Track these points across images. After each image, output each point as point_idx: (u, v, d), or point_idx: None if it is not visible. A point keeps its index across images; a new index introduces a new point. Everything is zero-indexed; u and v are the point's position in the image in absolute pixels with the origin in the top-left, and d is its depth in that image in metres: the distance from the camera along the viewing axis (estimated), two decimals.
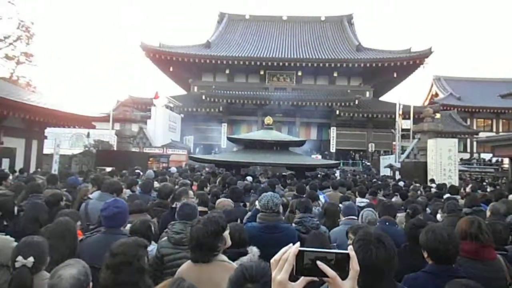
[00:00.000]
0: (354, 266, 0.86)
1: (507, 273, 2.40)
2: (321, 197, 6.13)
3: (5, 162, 10.66)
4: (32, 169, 11.34)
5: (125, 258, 1.99)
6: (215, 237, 2.29)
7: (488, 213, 4.25)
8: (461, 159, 27.66)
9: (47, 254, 2.23)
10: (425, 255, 2.26)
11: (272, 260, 0.89)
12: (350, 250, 0.89)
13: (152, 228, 3.10)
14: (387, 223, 3.68)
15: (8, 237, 2.84)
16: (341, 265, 0.84)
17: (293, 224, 3.68)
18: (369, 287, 1.56)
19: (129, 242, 2.17)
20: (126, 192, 5.50)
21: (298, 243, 0.88)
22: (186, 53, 29.11)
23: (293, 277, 0.85)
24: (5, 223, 3.40)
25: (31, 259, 2.06)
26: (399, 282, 1.90)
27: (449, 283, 1.71)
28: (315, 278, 0.85)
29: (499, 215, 3.91)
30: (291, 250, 0.86)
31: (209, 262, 2.25)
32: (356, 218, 3.95)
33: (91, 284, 1.82)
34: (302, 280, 0.85)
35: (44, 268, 2.16)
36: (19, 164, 11.05)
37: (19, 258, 2.06)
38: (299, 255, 0.85)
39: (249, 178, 8.71)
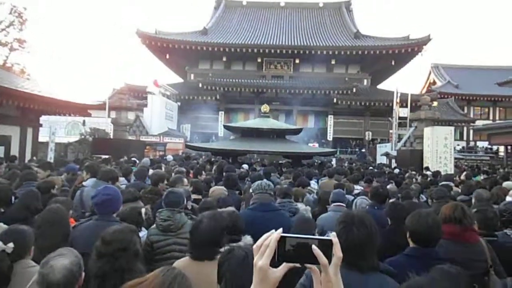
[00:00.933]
0: (337, 252, 0.85)
1: (488, 256, 2.47)
2: (313, 184, 6.17)
3: (0, 150, 10.62)
4: (28, 157, 11.30)
5: (121, 245, 1.99)
6: (222, 233, 2.30)
7: (473, 200, 4.33)
8: (463, 148, 27.81)
9: (31, 242, 2.20)
10: (408, 236, 2.33)
11: (254, 246, 0.88)
12: (333, 237, 0.88)
13: (143, 215, 3.11)
14: (375, 207, 3.81)
15: (1, 224, 2.85)
16: (324, 252, 0.84)
17: None
18: (353, 265, 1.68)
19: (122, 229, 2.18)
20: (121, 180, 5.50)
21: (280, 229, 0.87)
22: (183, 40, 28.78)
23: (274, 263, 0.85)
24: (1, 210, 3.40)
25: (11, 244, 2.03)
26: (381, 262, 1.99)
27: (433, 268, 1.73)
28: (297, 265, 0.85)
29: (484, 201, 3.96)
30: (272, 236, 0.84)
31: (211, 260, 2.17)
32: (344, 205, 4.01)
33: (83, 274, 1.80)
34: (284, 266, 0.84)
35: (27, 257, 2.15)
36: (14, 152, 10.99)
37: (0, 244, 2.03)
38: (281, 241, 0.83)
39: (245, 166, 8.74)
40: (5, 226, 2.79)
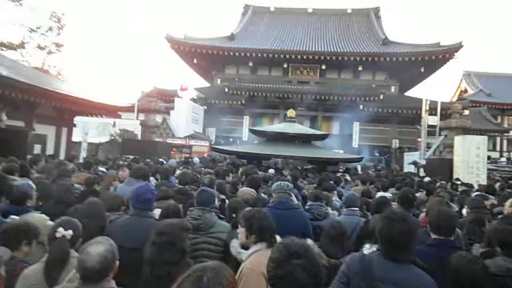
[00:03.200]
0: None
1: (462, 241, 3.11)
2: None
3: (37, 148, 11.14)
4: (62, 155, 11.80)
5: (170, 238, 2.13)
6: None
7: (505, 210, 4.20)
8: (495, 158, 26.65)
9: (81, 234, 2.36)
10: (429, 229, 2.75)
11: None
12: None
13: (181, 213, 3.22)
14: None
15: (43, 215, 3.02)
16: None
17: None
18: (392, 258, 1.93)
19: (174, 223, 2.34)
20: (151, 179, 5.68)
21: None
22: (210, 45, 29.27)
23: None
24: (39, 203, 3.60)
25: (70, 231, 2.22)
26: None
27: (454, 255, 2.14)
28: None
29: None
30: None
31: None
32: (357, 209, 4.01)
33: (117, 262, 1.88)
34: None
35: (76, 247, 2.29)
36: (49, 150, 11.53)
37: (60, 229, 2.20)
38: None
39: (271, 171, 8.76)
40: (47, 218, 2.97)
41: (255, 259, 2.19)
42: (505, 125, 31.71)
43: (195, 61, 30.47)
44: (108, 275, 1.82)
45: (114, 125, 18.91)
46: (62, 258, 2.11)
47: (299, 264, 1.37)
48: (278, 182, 3.67)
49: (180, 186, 4.76)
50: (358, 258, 2.02)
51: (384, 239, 1.99)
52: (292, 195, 3.77)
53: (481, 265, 2.08)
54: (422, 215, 4.13)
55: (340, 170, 12.09)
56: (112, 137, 17.90)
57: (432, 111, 22.13)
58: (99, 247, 1.80)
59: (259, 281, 1.99)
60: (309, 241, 2.72)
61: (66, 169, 5.15)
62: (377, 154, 26.16)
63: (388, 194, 5.60)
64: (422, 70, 28.39)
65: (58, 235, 2.19)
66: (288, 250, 1.41)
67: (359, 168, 16.07)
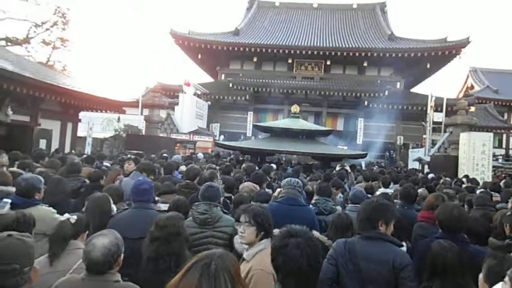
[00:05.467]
0: None
1: None
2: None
3: (42, 143, 11.22)
4: (67, 150, 11.87)
5: (174, 229, 2.19)
6: None
7: (509, 205, 4.25)
8: (501, 155, 26.45)
9: (85, 227, 2.43)
10: (437, 224, 2.83)
11: None
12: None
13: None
14: (405, 207, 4.03)
15: (51, 208, 3.07)
16: None
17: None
18: (371, 238, 2.27)
19: (174, 215, 2.40)
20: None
21: None
22: (214, 40, 29.22)
23: None
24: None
25: (74, 216, 2.34)
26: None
27: (434, 242, 2.39)
28: None
29: None
30: None
31: None
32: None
33: (122, 255, 1.93)
34: None
35: (80, 240, 2.35)
36: (55, 145, 11.59)
37: (66, 214, 2.35)
38: None
39: (273, 166, 8.76)
40: (54, 211, 3.02)
41: (263, 259, 2.14)
42: None
43: (199, 56, 30.45)
44: (113, 268, 1.86)
45: (118, 120, 18.97)
46: (63, 236, 2.23)
47: (294, 241, 1.55)
48: (288, 178, 3.67)
49: (187, 181, 4.78)
50: (343, 242, 2.31)
51: (362, 221, 2.33)
52: (302, 191, 3.78)
53: (453, 253, 2.25)
54: None
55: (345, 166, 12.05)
56: (117, 132, 17.97)
57: (437, 108, 21.96)
58: (104, 240, 1.85)
59: (269, 281, 2.01)
60: (315, 233, 2.75)
61: (74, 163, 5.12)
62: (386, 153, 25.95)
63: (389, 190, 5.59)
64: (428, 66, 28.15)
65: (62, 218, 2.33)
66: (289, 230, 1.63)
67: (363, 165, 16.03)
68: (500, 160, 22.24)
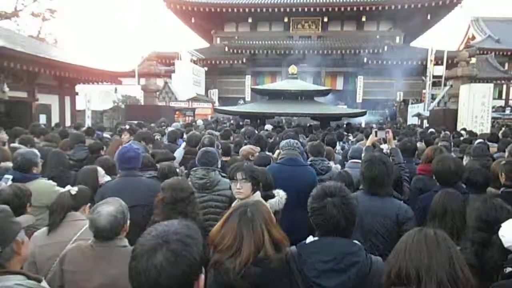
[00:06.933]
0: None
1: None
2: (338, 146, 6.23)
3: (42, 118, 11.26)
4: (68, 124, 11.93)
5: (187, 192, 2.34)
6: None
7: (506, 154, 4.30)
8: (500, 107, 26.34)
9: (88, 199, 2.49)
10: (434, 177, 2.98)
11: None
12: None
13: (178, 173, 3.32)
14: (405, 161, 3.93)
15: (51, 181, 3.15)
16: None
17: None
18: (374, 192, 2.41)
19: (179, 179, 2.49)
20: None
21: None
22: (207, 2, 28.21)
23: None
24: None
25: (76, 188, 2.39)
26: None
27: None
28: None
29: None
30: None
31: None
32: (360, 161, 4.07)
33: (128, 222, 1.98)
34: None
35: (82, 212, 2.41)
36: (55, 120, 11.64)
37: (68, 186, 2.40)
38: None
39: (268, 127, 8.80)
40: (54, 184, 3.12)
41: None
42: None
43: (193, 20, 29.51)
44: (120, 234, 1.93)
45: (115, 91, 18.82)
46: (62, 205, 2.27)
47: (330, 201, 1.66)
48: (288, 140, 3.69)
49: (189, 147, 4.87)
50: None
51: (366, 178, 2.43)
52: (303, 152, 3.83)
53: (457, 198, 2.28)
54: None
55: (343, 125, 12.11)
56: (115, 104, 17.91)
57: (438, 61, 21.59)
58: (109, 208, 1.89)
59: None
60: None
61: (79, 135, 5.16)
62: (386, 110, 25.87)
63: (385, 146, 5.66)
64: (429, 17, 27.25)
65: (63, 190, 2.38)
66: (324, 189, 1.72)
67: (363, 123, 16.07)
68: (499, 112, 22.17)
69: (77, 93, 13.40)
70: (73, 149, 4.59)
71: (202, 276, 1.02)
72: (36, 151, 3.28)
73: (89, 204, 2.43)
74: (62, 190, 2.52)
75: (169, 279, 0.90)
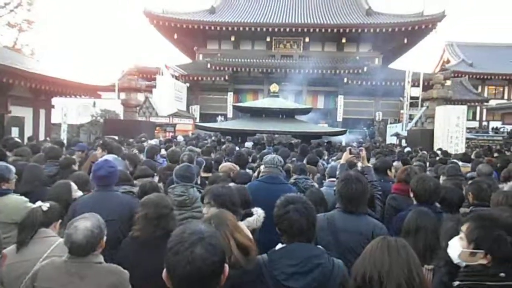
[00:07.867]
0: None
1: None
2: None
3: (15, 131, 10.84)
4: (41, 138, 11.53)
5: (167, 209, 2.31)
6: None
7: (475, 174, 4.44)
8: (474, 128, 27.31)
9: (57, 218, 2.38)
10: (412, 196, 2.98)
11: None
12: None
13: (160, 190, 3.23)
14: (381, 180, 4.06)
15: (22, 197, 3.00)
16: None
17: None
18: (350, 211, 2.42)
19: (162, 195, 2.49)
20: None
21: None
22: (190, 19, 28.44)
23: None
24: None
25: (47, 204, 2.31)
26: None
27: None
28: None
29: (483, 175, 4.25)
30: None
31: None
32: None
33: (105, 238, 1.94)
34: None
35: (52, 228, 2.32)
36: (28, 133, 11.23)
37: (38, 202, 2.33)
38: None
39: (248, 144, 8.77)
40: (26, 199, 2.96)
41: None
42: (485, 95, 32.31)
43: (175, 36, 29.63)
44: (96, 250, 1.88)
45: (94, 105, 18.44)
46: (33, 222, 2.19)
47: (292, 207, 1.84)
48: (272, 156, 3.65)
49: (169, 164, 4.77)
50: (322, 217, 2.44)
51: (343, 197, 2.46)
52: (282, 171, 3.79)
53: (430, 217, 2.35)
54: None
55: (324, 144, 12.21)
56: (93, 118, 17.51)
57: (415, 83, 22.33)
58: (86, 222, 1.86)
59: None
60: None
61: (54, 149, 4.94)
62: (365, 128, 26.42)
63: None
64: (406, 41, 28.37)
65: (34, 206, 2.29)
66: (286, 199, 1.91)
67: (343, 142, 16.27)
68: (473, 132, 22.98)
69: (53, 106, 13.03)
70: (44, 165, 4.40)
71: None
72: (10, 166, 3.13)
73: (60, 221, 2.36)
74: (33, 206, 2.43)
75: (212, 265, 1.12)
